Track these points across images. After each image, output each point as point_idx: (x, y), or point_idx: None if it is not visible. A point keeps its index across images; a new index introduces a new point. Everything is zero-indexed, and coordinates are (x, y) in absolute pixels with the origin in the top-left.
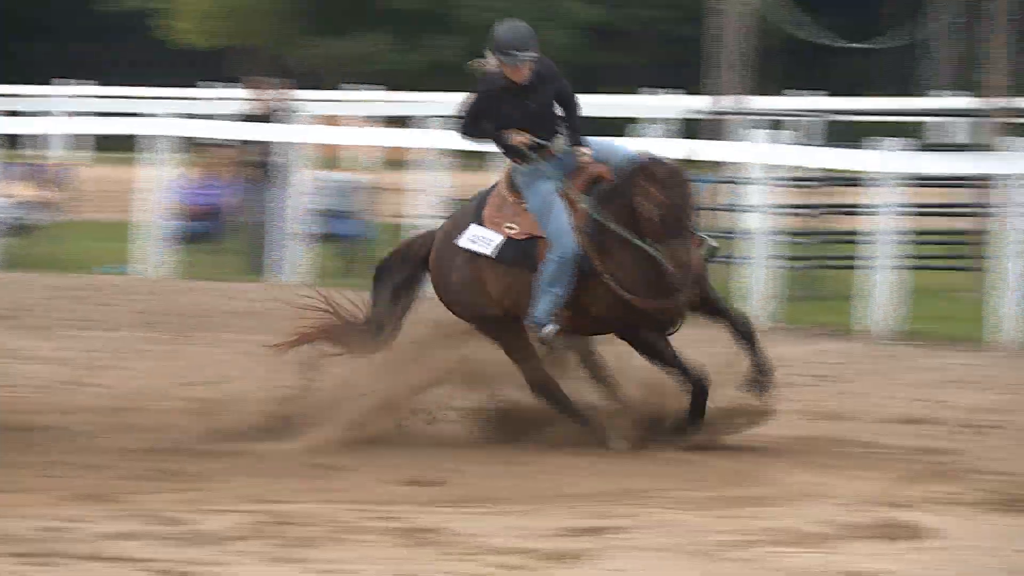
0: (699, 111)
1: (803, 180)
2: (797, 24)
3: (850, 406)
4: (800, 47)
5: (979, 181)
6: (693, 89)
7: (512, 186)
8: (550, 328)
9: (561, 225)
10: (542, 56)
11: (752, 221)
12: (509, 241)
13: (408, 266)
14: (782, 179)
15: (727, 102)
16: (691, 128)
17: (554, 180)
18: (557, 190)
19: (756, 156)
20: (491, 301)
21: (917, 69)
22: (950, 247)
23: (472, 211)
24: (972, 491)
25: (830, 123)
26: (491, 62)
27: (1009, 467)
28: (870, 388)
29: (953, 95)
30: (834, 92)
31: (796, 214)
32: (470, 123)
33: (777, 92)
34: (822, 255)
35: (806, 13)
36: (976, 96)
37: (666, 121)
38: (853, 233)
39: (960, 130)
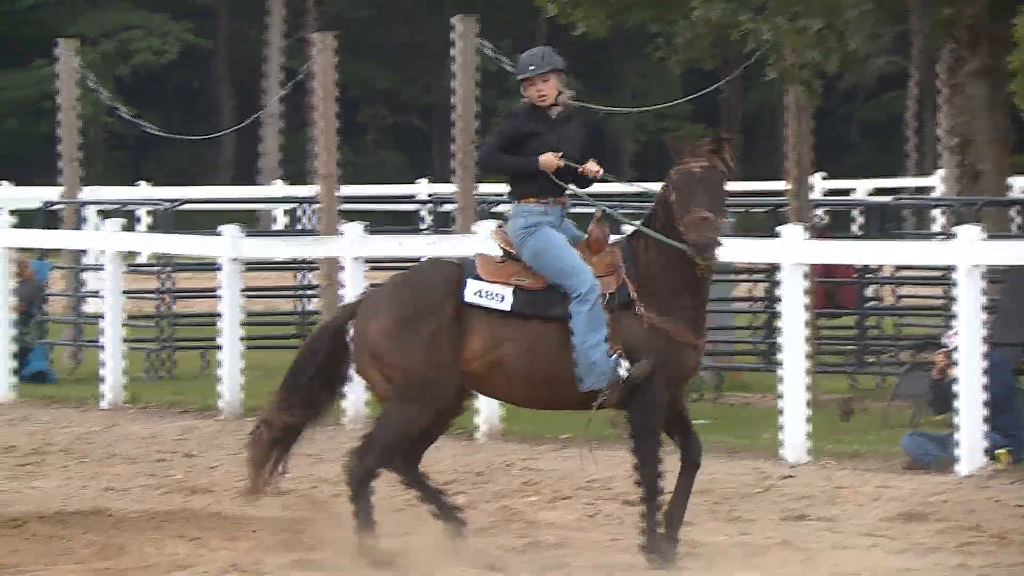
0: (51, 202)
1: (149, 265)
2: (133, 118)
3: (210, 479)
4: (141, 140)
5: (311, 265)
6: (42, 181)
7: (506, 242)
8: (607, 368)
9: (573, 259)
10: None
11: (101, 305)
12: (519, 291)
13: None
14: (129, 265)
15: (78, 192)
16: (46, 218)
17: (555, 225)
18: (561, 233)
19: (105, 243)
20: (463, 360)
21: (253, 159)
22: (295, 327)
23: (447, 274)
24: (335, 556)
25: (175, 211)
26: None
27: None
28: (226, 462)
29: (285, 183)
30: (174, 182)
31: (144, 298)
32: (491, 152)
33: (123, 182)
34: (171, 337)
35: (137, 107)
36: (307, 184)
37: (19, 212)
38: (199, 316)
39: (299, 216)
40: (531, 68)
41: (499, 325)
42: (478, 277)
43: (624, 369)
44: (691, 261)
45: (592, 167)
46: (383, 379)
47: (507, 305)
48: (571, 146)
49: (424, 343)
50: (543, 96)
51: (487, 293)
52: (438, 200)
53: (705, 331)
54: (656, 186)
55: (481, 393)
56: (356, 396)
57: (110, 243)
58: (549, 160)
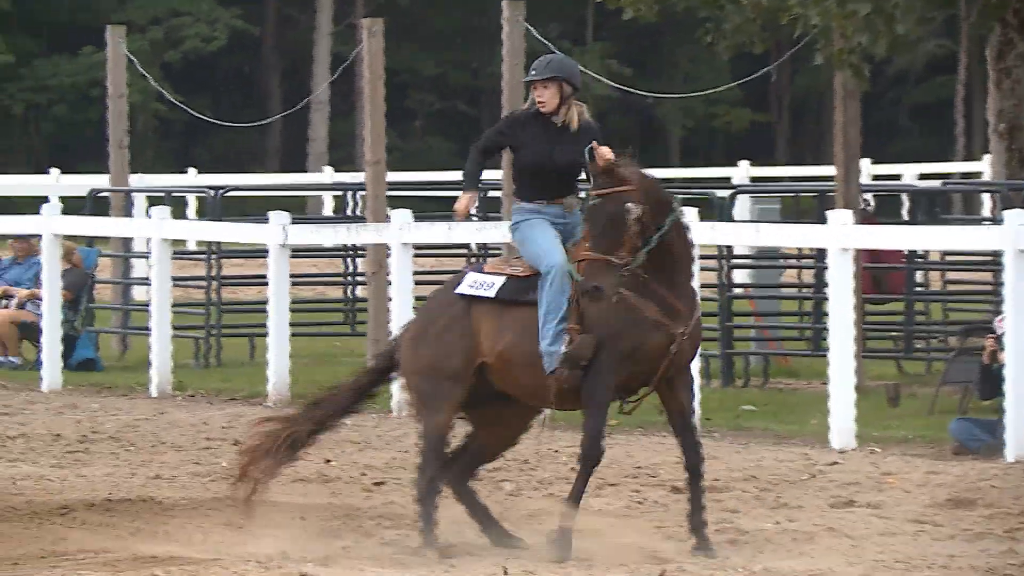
0: (99, 189)
1: (197, 252)
2: (181, 104)
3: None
4: (189, 126)
5: (359, 251)
6: (90, 168)
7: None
8: (557, 348)
9: (546, 243)
10: (590, 121)
11: (149, 293)
12: (510, 279)
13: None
14: (177, 252)
15: (126, 179)
16: (94, 205)
17: (548, 220)
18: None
19: (152, 230)
20: (474, 354)
21: (302, 145)
22: (343, 314)
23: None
24: (376, 546)
25: (223, 198)
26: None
27: (407, 522)
28: None
29: (335, 171)
30: (223, 168)
31: (192, 285)
32: (474, 149)
33: (172, 169)
34: (219, 324)
35: (185, 93)
36: (354, 171)
37: (68, 200)
38: (247, 303)
39: (343, 203)
40: (533, 72)
41: (499, 316)
42: (480, 271)
43: (564, 346)
44: (662, 248)
45: (605, 151)
46: (410, 389)
47: (493, 292)
48: (569, 156)
49: (434, 340)
50: (541, 101)
51: (479, 283)
52: (485, 187)
53: (682, 317)
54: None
55: (508, 392)
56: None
57: (158, 230)
58: (458, 205)
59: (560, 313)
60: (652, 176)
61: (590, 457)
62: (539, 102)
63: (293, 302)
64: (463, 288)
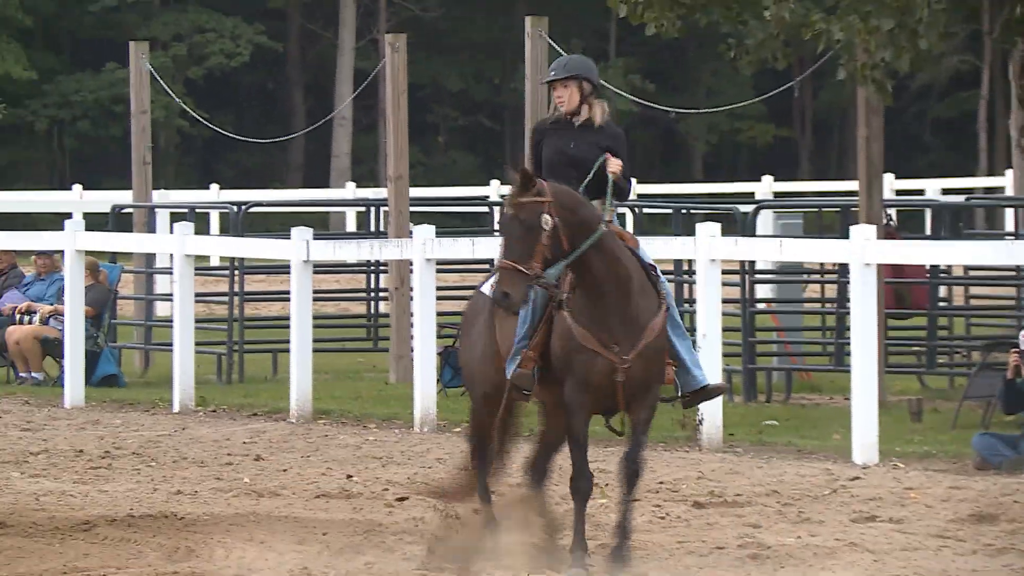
0: (121, 205)
1: (220, 268)
2: (204, 120)
3: (279, 482)
4: (212, 142)
5: (382, 266)
6: (113, 184)
7: None
8: (513, 369)
9: None
10: (609, 122)
11: (171, 309)
12: None
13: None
14: (199, 268)
15: (149, 195)
16: (116, 221)
17: None
18: None
19: (175, 246)
20: (496, 350)
21: (324, 161)
22: (366, 330)
23: None
24: (398, 562)
25: (245, 214)
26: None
27: (429, 538)
28: (295, 465)
29: (358, 186)
30: (246, 184)
31: (214, 301)
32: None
33: (195, 185)
34: (241, 339)
35: (208, 109)
36: (377, 186)
37: (91, 215)
38: (269, 318)
39: (366, 219)
40: (552, 73)
41: (507, 321)
42: None
43: (511, 371)
44: (591, 272)
45: (613, 163)
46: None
47: None
48: (585, 150)
49: (473, 337)
50: (561, 100)
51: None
52: (501, 203)
53: (622, 345)
54: (724, 187)
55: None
56: (424, 401)
57: (180, 246)
58: None
59: (523, 330)
60: (576, 195)
61: (578, 491)
62: (559, 101)
63: (316, 318)
64: (486, 287)
